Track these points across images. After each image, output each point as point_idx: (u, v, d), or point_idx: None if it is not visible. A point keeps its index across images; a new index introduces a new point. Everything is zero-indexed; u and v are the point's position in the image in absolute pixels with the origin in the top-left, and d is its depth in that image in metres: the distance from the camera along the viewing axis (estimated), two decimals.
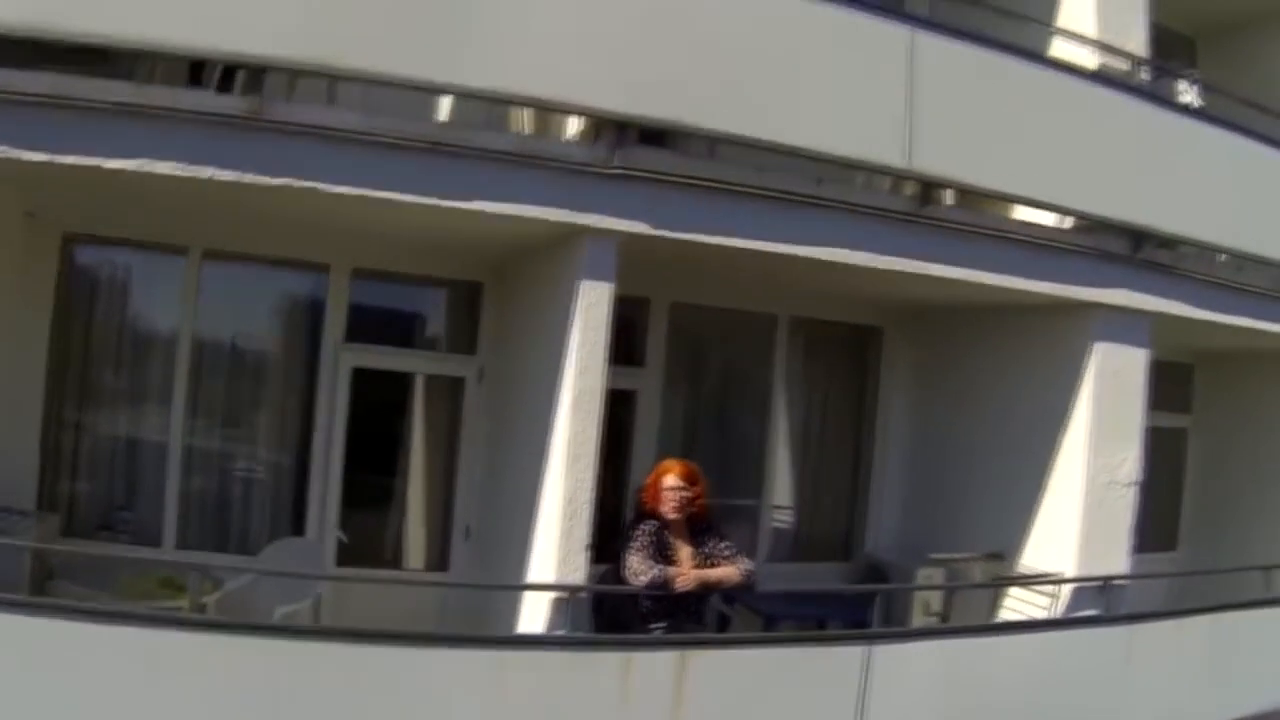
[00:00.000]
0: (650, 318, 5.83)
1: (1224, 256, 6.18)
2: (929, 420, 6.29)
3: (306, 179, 3.98)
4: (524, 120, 4.68)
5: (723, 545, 4.59)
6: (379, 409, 5.64)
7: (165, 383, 5.18)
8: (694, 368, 6.06)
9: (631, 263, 4.45)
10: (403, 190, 4.07)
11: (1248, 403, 7.48)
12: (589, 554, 4.39)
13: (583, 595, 4.43)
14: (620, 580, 4.49)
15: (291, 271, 5.38)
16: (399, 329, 5.74)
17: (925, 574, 5.69)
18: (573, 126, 4.47)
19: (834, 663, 4.60)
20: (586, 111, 4.35)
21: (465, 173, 4.14)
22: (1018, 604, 5.68)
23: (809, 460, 6.37)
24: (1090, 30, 5.63)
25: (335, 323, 5.39)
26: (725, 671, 4.43)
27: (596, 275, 4.35)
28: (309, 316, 5.46)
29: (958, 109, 4.93)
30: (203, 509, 5.34)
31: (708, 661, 4.38)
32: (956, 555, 5.74)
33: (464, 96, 4.37)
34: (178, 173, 3.86)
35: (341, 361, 5.38)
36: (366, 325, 5.54)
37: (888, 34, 4.80)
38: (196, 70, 4.17)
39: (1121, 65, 5.65)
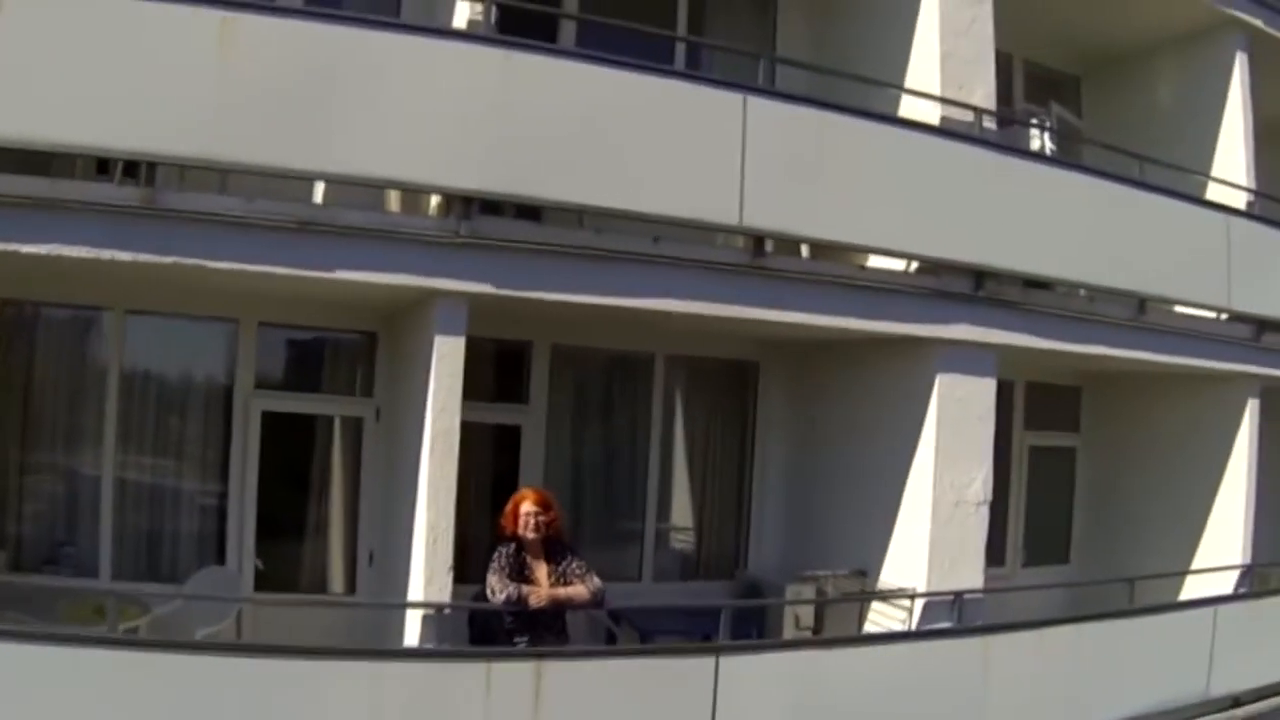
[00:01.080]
0: (533, 359, 6.79)
1: (1083, 291, 7.02)
2: (803, 447, 7.18)
3: (192, 258, 4.97)
4: (384, 199, 5.66)
5: (575, 564, 5.50)
6: (291, 447, 6.66)
7: (97, 428, 6.22)
8: (577, 404, 7.01)
9: (509, 313, 5.38)
10: (274, 264, 5.05)
11: (1133, 422, 8.30)
12: (450, 575, 5.34)
13: (447, 612, 5.37)
14: (485, 599, 5.43)
15: (206, 324, 6.41)
16: (306, 374, 6.76)
17: (794, 590, 6.55)
18: (424, 203, 5.45)
19: (683, 674, 5.48)
20: (436, 189, 5.32)
21: (330, 247, 5.11)
22: (881, 619, 6.53)
23: (694, 486, 7.29)
24: (935, 87, 6.51)
25: (246, 371, 6.40)
26: (579, 681, 5.32)
27: (448, 331, 5.30)
28: (224, 365, 6.49)
29: (790, 167, 5.83)
30: (135, 543, 6.36)
31: (562, 672, 5.28)
32: (823, 573, 6.60)
33: (330, 181, 5.37)
34: (85, 255, 4.87)
35: (252, 406, 6.39)
36: (276, 372, 6.57)
37: (720, 100, 5.72)
38: (101, 166, 5.22)
39: (966, 117, 6.52)
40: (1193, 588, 7.81)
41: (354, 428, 6.59)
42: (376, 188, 5.48)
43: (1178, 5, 7.99)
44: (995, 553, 8.37)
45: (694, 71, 5.88)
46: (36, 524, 6.24)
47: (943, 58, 6.55)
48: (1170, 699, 7.18)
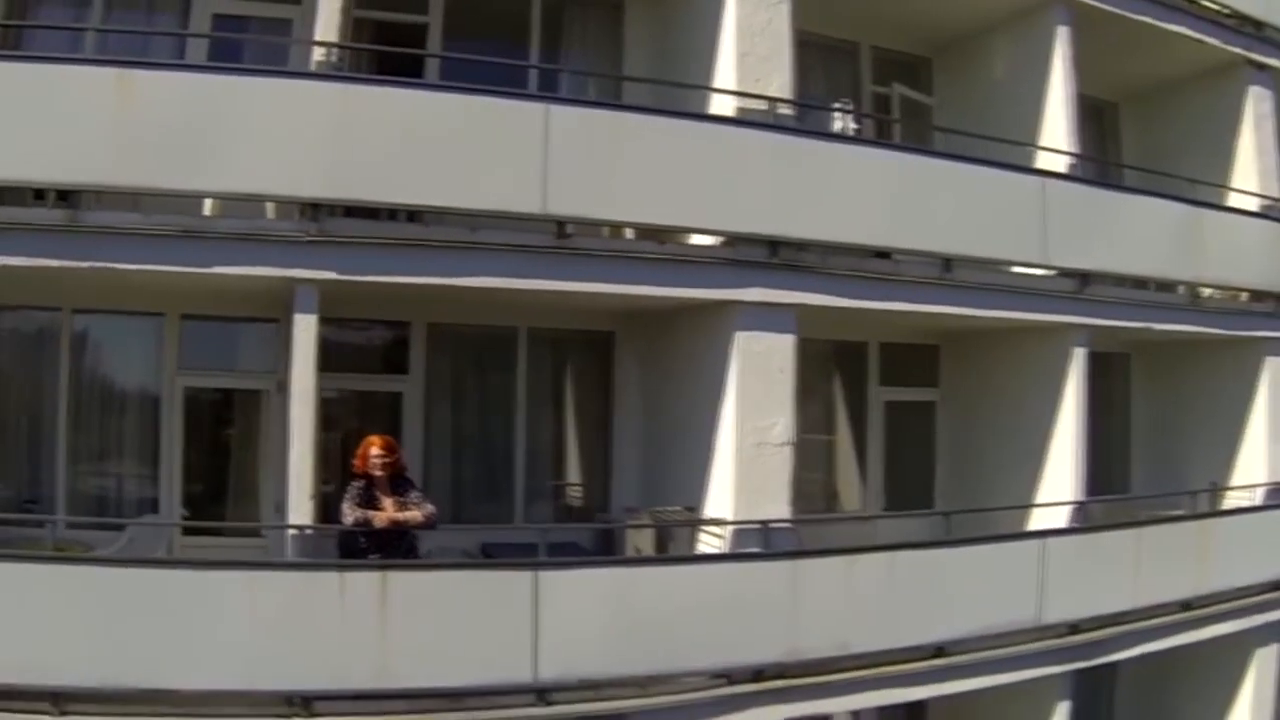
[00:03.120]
0: (411, 335, 9.00)
1: (894, 258, 8.90)
2: (653, 403, 9.26)
3: (106, 262, 7.30)
4: (253, 208, 7.89)
5: (414, 495, 7.63)
6: (212, 417, 9.02)
7: (52, 405, 8.63)
8: (452, 373, 9.21)
9: (391, 295, 7.54)
10: (166, 264, 7.35)
11: (985, 375, 10.12)
12: (311, 503, 7.53)
13: (309, 532, 7.56)
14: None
15: (138, 318, 8.77)
16: (224, 355, 9.11)
17: (635, 518, 8.61)
18: (283, 210, 7.67)
19: (507, 584, 7.57)
20: (291, 199, 7.53)
21: (209, 249, 7.36)
22: (706, 549, 8.51)
23: (561, 442, 9.42)
24: (734, 82, 8.49)
25: (170, 355, 8.76)
26: (418, 587, 7.46)
27: (305, 310, 7.50)
28: (154, 350, 8.84)
29: (589, 162, 7.87)
30: (86, 498, 8.76)
31: (404, 580, 7.43)
32: (658, 508, 8.64)
33: (212, 197, 7.65)
34: (22, 264, 7.25)
35: (176, 383, 8.75)
36: (198, 353, 8.92)
37: (525, 110, 7.79)
38: (37, 194, 7.60)
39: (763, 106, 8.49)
40: (1034, 523, 9.59)
41: (262, 399, 8.90)
42: (247, 201, 7.72)
43: None
44: (854, 498, 10.37)
45: (501, 88, 7.94)
46: (5, 485, 8.69)
47: (740, 56, 8.53)
48: (998, 624, 8.99)
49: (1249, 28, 11.06)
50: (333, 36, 7.81)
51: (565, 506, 9.59)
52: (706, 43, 8.86)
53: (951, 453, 10.53)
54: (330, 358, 7.96)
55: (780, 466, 8.38)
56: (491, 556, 8.61)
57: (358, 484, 7.65)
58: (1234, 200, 10.90)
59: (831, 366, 10.42)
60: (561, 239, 7.85)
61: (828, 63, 10.60)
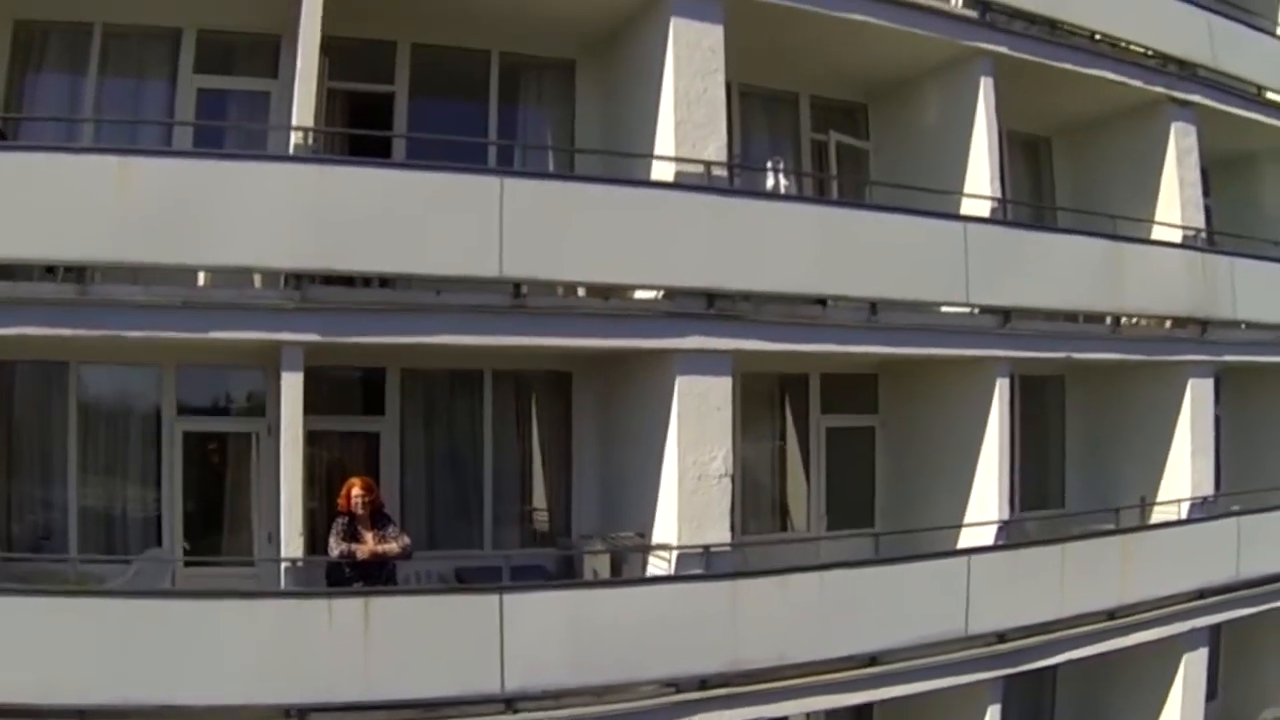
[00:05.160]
0: (387, 380, 10.96)
1: (829, 302, 10.84)
2: (608, 438, 11.22)
3: (113, 330, 9.24)
4: (242, 278, 9.82)
5: (391, 529, 9.63)
6: (209, 456, 11.00)
7: (62, 449, 10.59)
8: (425, 412, 11.18)
9: (368, 347, 9.50)
10: (168, 331, 9.29)
11: (920, 402, 12.10)
12: (302, 539, 9.49)
13: (300, 564, 9.52)
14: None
15: (140, 369, 10.73)
16: (218, 402, 11.07)
17: (589, 545, 10.57)
18: (269, 279, 9.60)
19: (474, 608, 9.54)
20: (277, 271, 9.46)
21: (203, 317, 9.29)
22: (655, 571, 10.47)
23: (525, 473, 11.41)
24: (673, 148, 10.41)
25: (169, 402, 10.72)
26: (398, 612, 9.44)
27: (291, 368, 9.44)
28: (154, 397, 10.80)
29: (541, 228, 9.79)
30: (96, 533, 10.73)
31: (383, 605, 9.41)
32: (614, 535, 10.61)
33: (205, 270, 9.59)
34: (38, 334, 9.20)
35: (176, 427, 10.71)
36: (194, 401, 10.88)
37: (482, 184, 9.72)
38: (49, 270, 9.55)
39: (698, 169, 10.41)
40: (966, 539, 11.56)
41: (254, 441, 10.86)
42: (236, 274, 9.66)
43: (932, 43, 11.69)
44: (802, 516, 12.39)
45: (460, 164, 9.87)
46: (21, 525, 10.66)
47: (678, 123, 10.45)
48: (928, 635, 10.98)
49: (1172, 66, 12.99)
50: (309, 115, 9.70)
51: (531, 531, 11.58)
52: (650, 104, 10.76)
53: (891, 473, 12.58)
54: (314, 401, 9.87)
55: (720, 496, 10.34)
56: (464, 580, 10.59)
57: (342, 520, 9.65)
58: (1158, 232, 12.83)
59: (777, 396, 12.45)
60: (517, 299, 9.79)
61: (769, 112, 12.62)
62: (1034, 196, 14.00)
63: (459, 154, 10.75)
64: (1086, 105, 13.22)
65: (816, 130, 12.61)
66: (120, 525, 10.80)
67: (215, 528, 11.00)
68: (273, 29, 10.88)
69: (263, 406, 10.85)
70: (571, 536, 11.32)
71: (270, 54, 11.15)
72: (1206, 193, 13.97)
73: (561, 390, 11.52)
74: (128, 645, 8.73)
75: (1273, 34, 14.54)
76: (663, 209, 10.23)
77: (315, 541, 9.95)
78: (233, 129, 10.96)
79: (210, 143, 10.78)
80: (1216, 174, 15.10)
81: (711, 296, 10.32)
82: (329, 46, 10.01)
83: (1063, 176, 14.17)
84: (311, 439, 10.11)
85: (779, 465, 12.59)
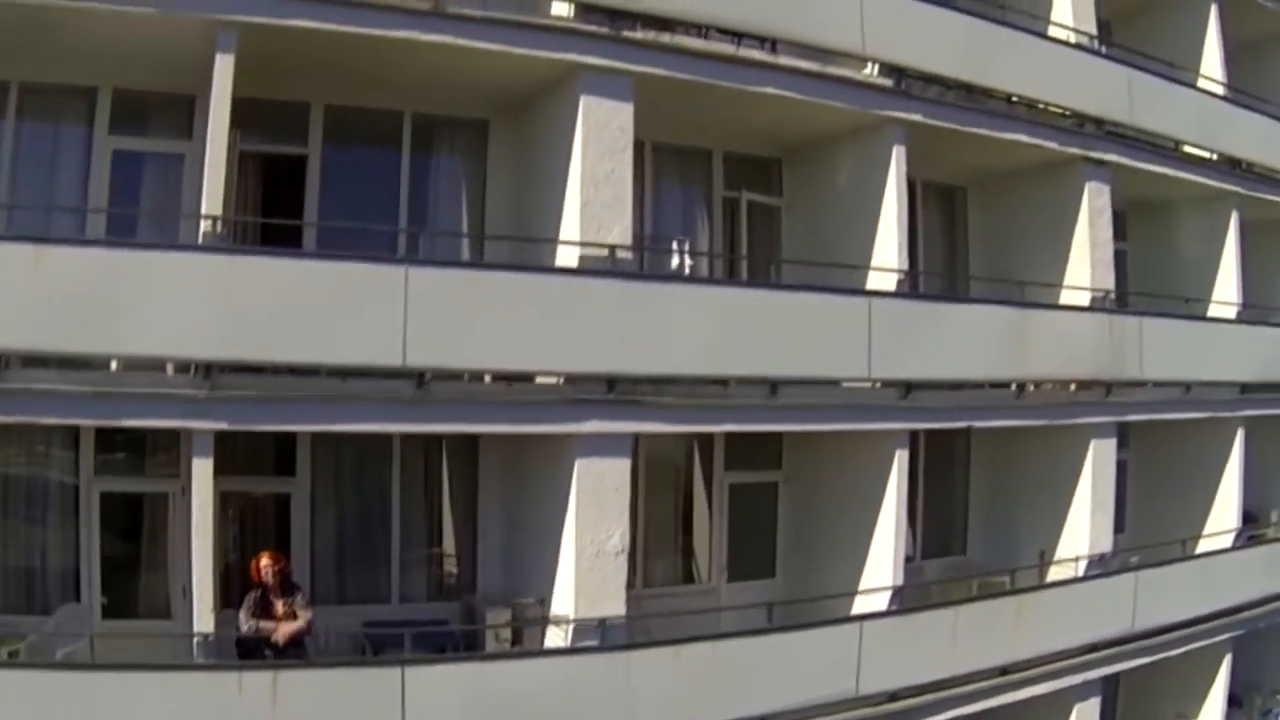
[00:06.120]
0: (298, 443, 12.09)
1: (730, 382, 11.97)
2: (512, 505, 12.41)
3: (28, 417, 10.30)
4: (157, 367, 10.87)
5: (299, 597, 10.89)
6: (127, 515, 12.16)
7: None
8: (335, 475, 12.35)
9: (280, 412, 10.60)
10: (82, 418, 10.38)
11: (822, 463, 13.29)
12: (213, 614, 10.70)
13: (211, 639, 10.75)
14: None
15: (59, 432, 11.83)
16: (137, 460, 12.20)
17: (492, 613, 11.87)
18: (183, 368, 10.66)
19: (377, 680, 10.79)
20: (186, 360, 10.51)
21: (116, 406, 10.32)
22: (554, 642, 11.75)
23: (432, 536, 12.63)
24: (577, 232, 11.43)
25: (87, 464, 11.84)
26: (304, 684, 10.70)
27: (201, 455, 10.55)
28: (73, 462, 11.91)
29: (446, 317, 10.83)
30: (16, 586, 11.91)
31: (290, 678, 10.67)
32: (516, 600, 11.88)
33: (117, 359, 10.60)
34: None
35: (94, 488, 11.85)
36: (113, 461, 12.01)
37: (386, 273, 10.71)
38: None
39: (602, 252, 11.44)
40: (862, 604, 12.88)
41: (171, 499, 12.02)
42: (148, 363, 10.71)
43: (846, 111, 12.66)
44: (700, 571, 13.71)
45: (362, 252, 10.89)
46: None
47: (583, 205, 11.44)
48: (821, 696, 12.31)
49: (1089, 126, 13.98)
50: (218, 203, 10.58)
51: (438, 585, 12.83)
52: (559, 173, 11.70)
53: (792, 528, 13.91)
54: (227, 464, 10.95)
55: (616, 571, 11.56)
56: (372, 636, 11.85)
57: (254, 593, 10.89)
58: (1068, 294, 13.97)
59: (682, 452, 13.65)
60: (420, 388, 10.90)
61: (682, 168, 13.61)
62: (947, 247, 15.08)
63: (370, 238, 11.80)
64: (1002, 161, 14.23)
65: (729, 188, 13.65)
66: (39, 580, 12.00)
67: (133, 583, 12.20)
68: (188, 89, 11.74)
69: (177, 468, 11.98)
70: (477, 592, 12.58)
71: (186, 114, 12.03)
72: (1123, 236, 15.06)
73: (468, 455, 12.67)
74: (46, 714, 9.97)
75: (1193, 86, 15.52)
76: (565, 295, 11.26)
77: (230, 597, 11.18)
78: (146, 201, 11.87)
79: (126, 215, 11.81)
80: (1135, 218, 16.22)
81: (612, 380, 11.43)
82: (242, 108, 10.82)
83: (977, 227, 15.28)
84: (224, 500, 11.32)
85: (683, 519, 13.86)
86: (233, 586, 11.33)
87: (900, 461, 12.76)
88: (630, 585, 12.80)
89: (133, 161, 12.01)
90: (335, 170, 12.36)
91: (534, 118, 12.42)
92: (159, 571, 12.16)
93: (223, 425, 10.52)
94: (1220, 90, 16.60)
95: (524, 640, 11.94)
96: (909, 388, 12.74)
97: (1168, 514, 16.20)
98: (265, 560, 10.91)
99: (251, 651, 10.89)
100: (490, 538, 12.65)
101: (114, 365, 10.84)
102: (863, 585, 12.98)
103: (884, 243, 12.85)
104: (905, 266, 12.76)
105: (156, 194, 12.03)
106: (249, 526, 12.18)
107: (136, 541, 12.23)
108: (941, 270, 14.97)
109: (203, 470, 10.55)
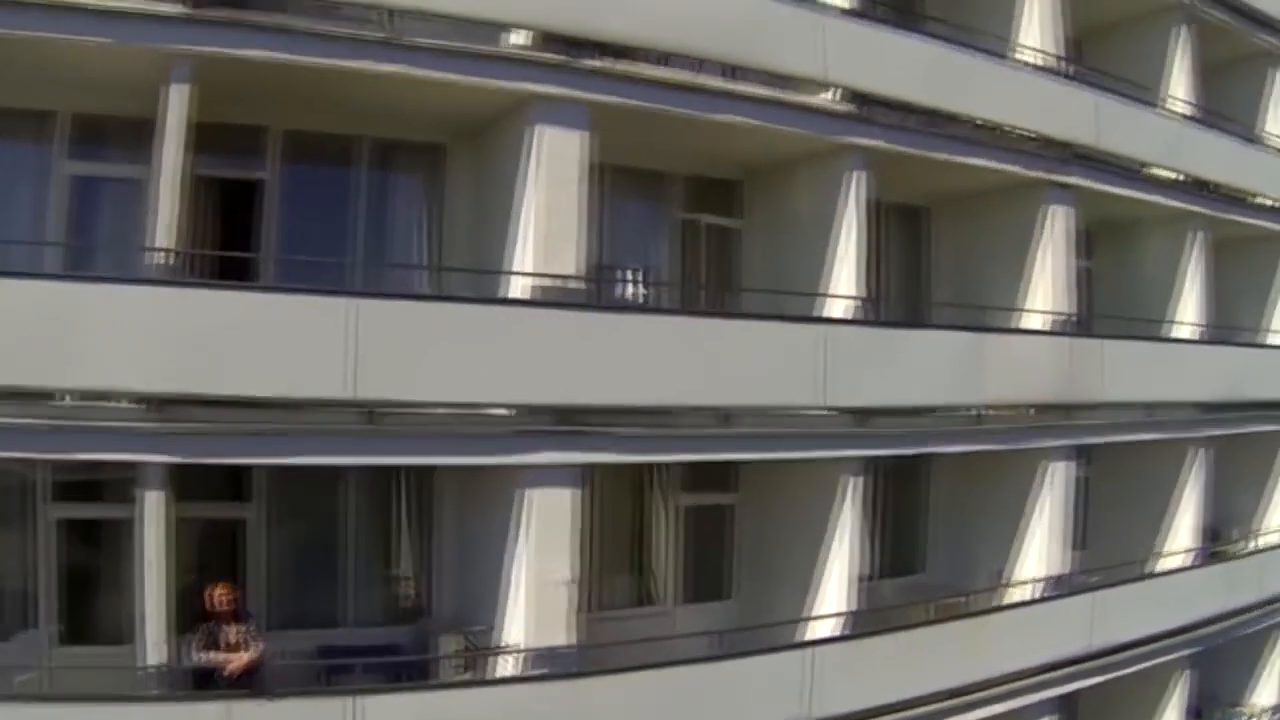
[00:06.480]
0: (254, 470, 12.25)
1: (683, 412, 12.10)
2: (467, 533, 12.58)
3: None
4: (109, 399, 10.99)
5: (251, 628, 11.08)
6: (88, 540, 12.34)
7: None
8: (291, 501, 12.51)
9: (232, 443, 10.77)
10: (36, 451, 10.51)
11: (777, 487, 13.44)
12: (165, 646, 10.88)
13: (164, 670, 10.95)
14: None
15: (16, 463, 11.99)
16: (94, 486, 12.36)
17: (444, 640, 12.07)
18: (135, 401, 10.78)
19: (331, 709, 11.02)
20: (138, 394, 10.64)
21: (71, 438, 10.45)
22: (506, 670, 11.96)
23: (388, 562, 12.83)
24: (532, 263, 11.53)
25: (43, 491, 12.00)
26: (256, 715, 10.92)
27: (154, 487, 10.67)
28: (29, 487, 12.07)
29: (397, 349, 10.96)
30: None
31: (243, 708, 10.88)
32: (468, 629, 12.08)
33: (69, 394, 10.71)
34: None
35: (51, 514, 12.02)
36: (70, 486, 12.17)
37: (335, 305, 10.83)
38: None
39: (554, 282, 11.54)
40: (816, 629, 13.07)
41: (127, 526, 12.19)
42: (99, 396, 10.84)
43: (805, 136, 12.73)
44: (657, 593, 13.92)
45: (311, 285, 10.99)
46: None
47: (534, 235, 11.56)
48: (772, 718, 12.54)
49: (1054, 149, 14.04)
50: (169, 235, 10.65)
51: (393, 607, 13.03)
52: (513, 199, 11.80)
53: (749, 550, 14.11)
54: (182, 490, 11.03)
55: (566, 600, 11.75)
56: (327, 657, 12.06)
57: (208, 625, 11.07)
58: (1030, 317, 14.08)
59: (639, 476, 13.82)
60: (370, 420, 11.04)
61: (641, 190, 13.71)
62: (911, 268, 15.19)
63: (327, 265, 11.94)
64: (966, 182, 14.32)
65: (688, 210, 13.78)
66: None
67: (91, 609, 12.38)
68: (145, 114, 11.79)
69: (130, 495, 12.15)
70: (431, 617, 12.78)
71: (145, 138, 12.06)
72: (1090, 255, 15.13)
73: (424, 480, 12.82)
74: None
75: (1162, 108, 15.56)
76: (516, 326, 11.41)
77: (188, 620, 11.32)
78: (104, 229, 11.95)
79: (83, 236, 11.92)
80: (1102, 236, 16.31)
81: (562, 412, 11.57)
82: (198, 132, 10.89)
83: (941, 247, 15.41)
84: (180, 525, 11.49)
85: (639, 541, 14.07)
86: (190, 610, 11.49)
87: (854, 488, 12.94)
88: (586, 608, 13.07)
89: (90, 187, 12.10)
90: (293, 193, 12.45)
91: (490, 144, 12.53)
92: (117, 597, 12.35)
93: (174, 459, 10.68)
94: (1188, 111, 16.72)
95: (478, 667, 12.13)
96: (864, 415, 12.89)
97: (1130, 530, 16.41)
98: (219, 591, 11.07)
99: (207, 681, 11.11)
100: (444, 563, 12.85)
101: (66, 399, 11.03)
102: (817, 608, 13.19)
103: (841, 269, 12.96)
104: (862, 293, 12.87)
105: (116, 219, 12.10)
106: (205, 550, 12.33)
107: (95, 567, 12.42)
108: (904, 293, 15.10)
109: (154, 502, 10.72)
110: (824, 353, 12.49)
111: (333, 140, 12.62)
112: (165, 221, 10.71)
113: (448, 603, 12.86)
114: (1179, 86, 16.50)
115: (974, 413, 13.84)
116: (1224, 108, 17.80)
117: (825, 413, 12.81)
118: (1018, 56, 14.31)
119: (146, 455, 10.64)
